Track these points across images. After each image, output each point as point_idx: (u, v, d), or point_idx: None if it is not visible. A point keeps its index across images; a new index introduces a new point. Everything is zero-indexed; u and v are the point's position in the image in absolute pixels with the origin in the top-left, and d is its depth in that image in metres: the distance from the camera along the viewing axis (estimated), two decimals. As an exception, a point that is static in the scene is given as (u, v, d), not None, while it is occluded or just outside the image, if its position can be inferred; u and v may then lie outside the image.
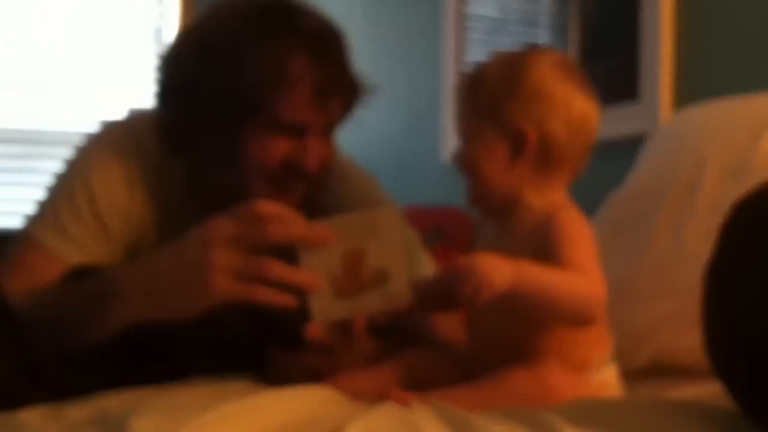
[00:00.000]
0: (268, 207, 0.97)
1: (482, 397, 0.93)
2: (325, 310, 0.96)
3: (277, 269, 0.96)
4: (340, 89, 1.22)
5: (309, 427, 0.76)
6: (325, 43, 1.21)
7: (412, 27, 2.85)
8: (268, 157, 1.19)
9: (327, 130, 1.24)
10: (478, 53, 2.52)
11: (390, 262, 0.95)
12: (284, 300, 0.96)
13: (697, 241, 1.32)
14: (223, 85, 1.17)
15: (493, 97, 1.02)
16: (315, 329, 1.02)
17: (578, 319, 0.95)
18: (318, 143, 1.21)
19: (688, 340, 1.24)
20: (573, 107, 1.01)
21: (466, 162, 1.04)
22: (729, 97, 1.53)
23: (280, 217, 0.96)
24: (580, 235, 0.98)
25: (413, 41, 2.83)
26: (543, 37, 2.30)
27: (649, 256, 1.39)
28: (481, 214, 1.10)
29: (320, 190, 1.27)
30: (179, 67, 1.23)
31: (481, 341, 1.05)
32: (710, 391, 1.03)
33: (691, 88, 1.78)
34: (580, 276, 0.94)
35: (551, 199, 1.03)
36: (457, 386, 0.96)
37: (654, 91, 1.82)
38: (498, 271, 0.90)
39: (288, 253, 0.97)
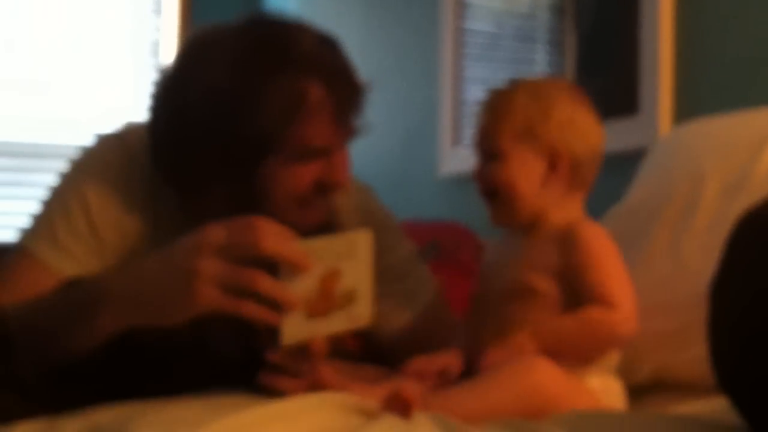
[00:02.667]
0: (262, 221, 0.96)
1: (477, 395, 0.96)
2: (294, 331, 0.96)
3: (267, 284, 0.95)
4: (357, 102, 1.22)
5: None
6: (333, 62, 1.19)
7: (408, 42, 2.85)
8: (300, 185, 1.17)
9: (348, 141, 1.23)
10: (474, 69, 2.52)
11: (360, 284, 0.98)
12: (268, 317, 0.96)
13: (696, 256, 1.32)
14: (241, 129, 1.14)
15: (528, 119, 1.12)
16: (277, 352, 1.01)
17: (607, 346, 1.07)
18: (343, 156, 1.21)
19: (687, 355, 1.23)
20: (593, 133, 1.15)
21: (502, 178, 1.12)
22: (728, 111, 1.53)
23: (273, 232, 0.96)
24: (603, 251, 1.08)
25: (409, 56, 2.83)
26: (540, 52, 2.31)
27: (648, 272, 1.38)
28: (504, 231, 1.18)
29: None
30: (182, 118, 1.18)
31: (485, 337, 1.07)
32: (711, 407, 1.02)
33: (691, 103, 1.78)
34: (599, 309, 1.03)
35: (571, 214, 1.13)
36: (453, 387, 0.99)
37: (653, 106, 1.82)
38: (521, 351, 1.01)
39: (266, 269, 0.97)
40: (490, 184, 1.13)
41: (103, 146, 1.30)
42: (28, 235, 1.24)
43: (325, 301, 0.97)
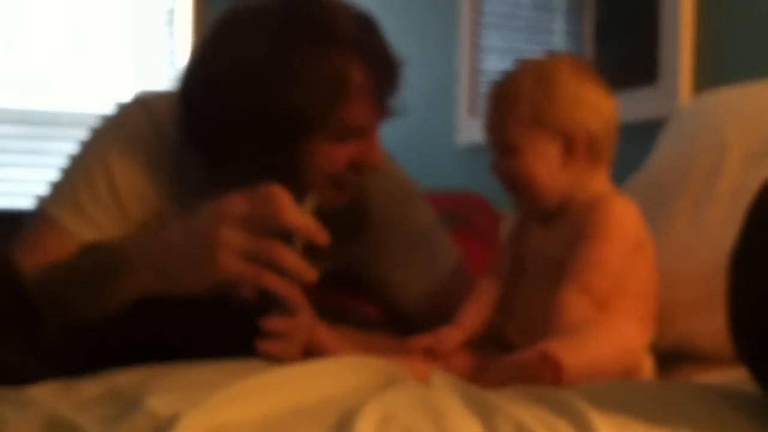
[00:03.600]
0: (281, 191, 0.97)
1: (578, 352, 0.96)
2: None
3: (289, 257, 0.96)
4: (395, 82, 1.21)
5: (327, 405, 0.75)
6: (374, 43, 1.19)
7: (426, 8, 2.83)
8: (336, 164, 1.17)
9: (383, 121, 1.23)
10: (492, 37, 2.50)
11: None
12: (289, 290, 0.96)
13: (717, 225, 1.31)
14: (282, 106, 1.13)
15: (535, 105, 1.08)
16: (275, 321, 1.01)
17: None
18: (377, 136, 1.21)
19: (709, 325, 1.22)
20: (604, 106, 1.11)
21: (520, 171, 1.10)
22: (750, 80, 1.51)
23: (292, 204, 0.96)
24: (615, 229, 1.06)
25: (427, 22, 2.81)
26: (558, 20, 2.28)
27: (670, 241, 1.37)
28: (532, 217, 1.16)
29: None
30: (219, 88, 1.16)
31: (524, 317, 1.08)
32: (733, 376, 1.02)
33: (711, 71, 1.76)
34: (617, 329, 1.03)
35: (597, 189, 1.12)
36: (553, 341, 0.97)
37: (673, 74, 1.80)
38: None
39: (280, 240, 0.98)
40: (509, 179, 1.11)
41: (127, 114, 1.29)
42: (50, 201, 1.25)
43: None
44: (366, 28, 1.19)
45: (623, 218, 1.08)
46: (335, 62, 1.14)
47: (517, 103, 1.09)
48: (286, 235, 0.98)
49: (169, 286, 1.01)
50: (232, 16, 1.20)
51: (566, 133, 1.08)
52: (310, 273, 0.97)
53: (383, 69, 1.19)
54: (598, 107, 1.10)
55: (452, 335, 1.11)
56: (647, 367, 1.08)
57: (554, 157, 1.09)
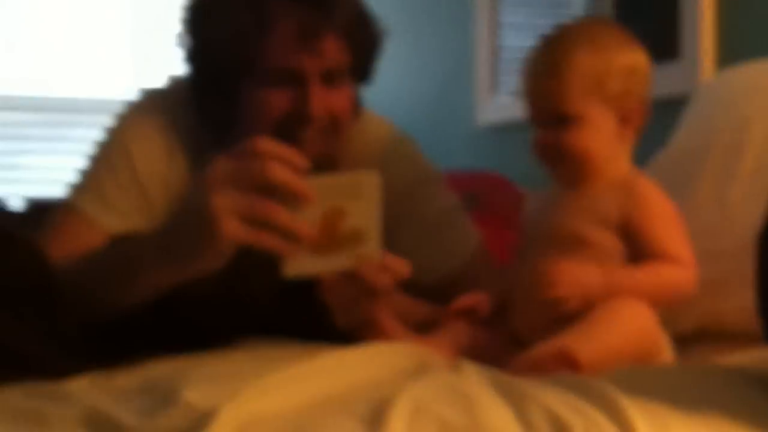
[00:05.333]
0: (267, 143, 0.94)
1: (594, 336, 0.96)
2: (296, 264, 0.96)
3: (284, 215, 0.92)
4: (332, 28, 1.18)
5: (360, 394, 0.76)
6: None
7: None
8: (269, 110, 1.18)
9: (331, 77, 1.21)
10: (511, 13, 2.48)
11: (366, 224, 0.96)
12: (290, 250, 0.94)
13: (741, 203, 1.30)
14: (211, 44, 1.19)
15: (595, 73, 1.05)
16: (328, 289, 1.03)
17: (670, 303, 1.05)
18: (321, 90, 1.19)
19: (733, 304, 1.23)
20: (647, 71, 1.10)
21: (577, 143, 1.06)
22: (773, 55, 1.50)
23: (279, 155, 0.93)
24: (665, 207, 1.06)
25: (442, 1, 2.80)
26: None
27: (693, 219, 1.36)
28: (551, 181, 1.14)
29: (341, 144, 1.26)
30: (184, 34, 1.25)
31: (531, 314, 1.06)
32: (759, 356, 1.02)
33: (734, 47, 1.75)
34: (666, 265, 1.03)
35: (622, 165, 1.10)
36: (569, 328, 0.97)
37: (695, 50, 1.78)
38: (588, 277, 1.00)
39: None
40: (559, 152, 1.07)
41: (150, 101, 1.31)
42: (75, 190, 1.26)
43: (328, 238, 0.95)
44: None
45: (659, 191, 1.09)
46: (255, 3, 1.16)
47: (575, 72, 1.05)
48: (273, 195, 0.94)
49: (184, 268, 0.98)
50: None
51: (623, 103, 1.07)
52: (305, 230, 0.93)
53: (315, 6, 1.16)
54: (647, 74, 1.09)
55: (490, 300, 1.11)
56: (664, 345, 1.07)
57: (611, 128, 1.07)
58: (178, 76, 1.34)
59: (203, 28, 1.21)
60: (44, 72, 3.40)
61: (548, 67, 1.07)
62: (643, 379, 0.84)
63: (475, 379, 0.80)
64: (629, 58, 1.07)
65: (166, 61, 3.37)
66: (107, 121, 1.32)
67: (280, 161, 0.92)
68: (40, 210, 1.36)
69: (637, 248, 1.05)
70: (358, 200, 0.96)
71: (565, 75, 1.05)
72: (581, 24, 1.12)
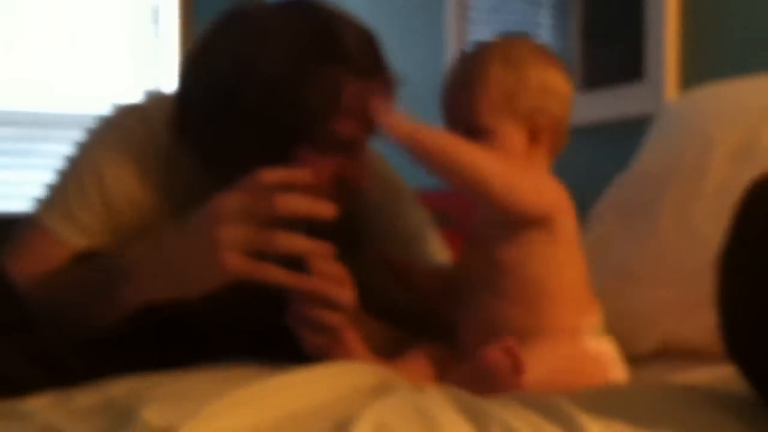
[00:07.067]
0: (273, 175, 0.96)
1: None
2: None
3: (285, 239, 0.94)
4: (388, 99, 1.20)
5: (321, 413, 0.76)
6: (373, 60, 1.19)
7: (412, 6, 2.83)
8: (322, 176, 1.16)
9: (372, 137, 1.23)
10: (480, 33, 2.50)
11: None
12: (294, 281, 0.96)
13: (704, 223, 1.32)
14: (276, 116, 1.13)
15: (506, 89, 1.04)
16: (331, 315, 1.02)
17: (486, 195, 0.99)
18: (365, 154, 1.21)
19: (694, 324, 1.24)
20: (565, 92, 1.08)
21: None
22: (736, 77, 1.52)
23: (286, 182, 0.95)
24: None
25: (414, 20, 2.81)
26: (545, 15, 2.29)
27: (656, 239, 1.38)
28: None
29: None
30: (218, 93, 1.16)
31: (471, 325, 1.05)
32: (717, 374, 1.03)
33: (698, 68, 1.77)
34: (491, 157, 0.99)
35: None
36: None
37: (659, 71, 1.80)
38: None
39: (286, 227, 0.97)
40: None
41: (122, 117, 1.29)
42: (42, 206, 1.24)
43: None
44: (367, 45, 1.19)
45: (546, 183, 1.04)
46: (333, 77, 1.13)
47: (487, 86, 1.05)
48: (297, 224, 0.97)
49: (173, 293, 1.00)
50: (234, 18, 1.19)
51: (534, 121, 1.05)
52: (321, 248, 0.96)
53: (378, 86, 1.18)
54: (563, 96, 1.07)
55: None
56: (611, 351, 1.04)
57: (520, 145, 1.05)
58: (154, 91, 1.33)
59: (269, 100, 1.14)
60: (14, 86, 3.37)
61: (461, 80, 1.08)
62: (603, 398, 0.84)
63: (437, 399, 0.80)
64: (543, 76, 1.06)
65: (139, 76, 3.38)
66: (77, 136, 1.30)
67: (289, 187, 0.95)
68: (3, 225, 1.34)
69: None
70: None
71: (476, 88, 1.05)
72: (500, 41, 1.10)
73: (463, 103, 1.07)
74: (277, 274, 0.95)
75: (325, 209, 0.95)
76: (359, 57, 1.16)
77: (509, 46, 1.08)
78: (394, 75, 1.23)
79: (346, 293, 1.02)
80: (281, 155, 1.14)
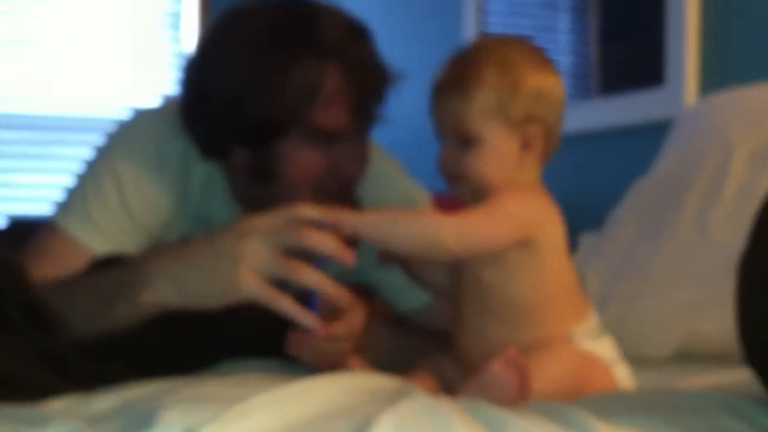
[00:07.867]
0: (309, 211, 0.97)
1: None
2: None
3: (310, 274, 0.96)
4: (376, 93, 1.22)
5: (341, 416, 0.76)
6: (357, 51, 1.20)
7: (430, 12, 2.83)
8: (314, 168, 1.19)
9: (365, 130, 1.24)
10: (495, 26, 2.50)
11: None
12: (304, 318, 0.97)
13: (723, 227, 1.32)
14: (258, 106, 1.17)
15: (500, 95, 1.00)
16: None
17: (444, 254, 0.97)
18: (358, 146, 1.22)
19: (712, 326, 1.23)
20: (559, 98, 1.04)
21: (475, 168, 1.01)
22: (756, 82, 1.51)
23: (320, 220, 0.96)
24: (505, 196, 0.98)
25: (431, 23, 2.81)
26: (563, 19, 2.28)
27: (675, 242, 1.38)
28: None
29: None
30: (206, 93, 1.21)
31: (465, 342, 1.04)
32: (734, 377, 1.02)
33: (717, 73, 1.76)
34: (437, 215, 0.97)
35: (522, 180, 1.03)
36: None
37: (679, 76, 1.80)
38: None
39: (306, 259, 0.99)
40: (460, 171, 1.01)
41: (140, 121, 1.30)
42: (61, 210, 1.25)
43: None
44: (353, 35, 1.21)
45: (517, 198, 1.00)
46: (311, 66, 1.16)
47: (480, 91, 1.00)
48: (319, 258, 0.98)
49: (189, 303, 1.02)
50: (225, 18, 1.24)
51: (527, 128, 1.00)
52: (338, 291, 0.97)
53: (364, 77, 1.19)
54: (557, 101, 1.03)
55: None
56: (608, 346, 1.02)
57: (512, 152, 1.01)
58: (172, 96, 1.34)
59: (250, 91, 1.18)
60: (31, 90, 3.40)
61: (453, 83, 1.03)
62: (618, 404, 0.84)
63: (452, 405, 0.80)
64: (538, 81, 1.01)
65: (157, 80, 3.40)
66: (95, 139, 1.31)
67: (320, 227, 0.96)
68: (23, 229, 1.35)
69: None
70: None
71: (469, 94, 1.00)
72: (493, 42, 1.06)
73: (455, 108, 1.02)
74: (288, 307, 0.97)
75: (347, 256, 0.96)
76: (341, 48, 1.17)
77: (504, 49, 1.03)
78: (389, 69, 1.24)
79: (351, 328, 1.04)
80: (269, 151, 1.18)
